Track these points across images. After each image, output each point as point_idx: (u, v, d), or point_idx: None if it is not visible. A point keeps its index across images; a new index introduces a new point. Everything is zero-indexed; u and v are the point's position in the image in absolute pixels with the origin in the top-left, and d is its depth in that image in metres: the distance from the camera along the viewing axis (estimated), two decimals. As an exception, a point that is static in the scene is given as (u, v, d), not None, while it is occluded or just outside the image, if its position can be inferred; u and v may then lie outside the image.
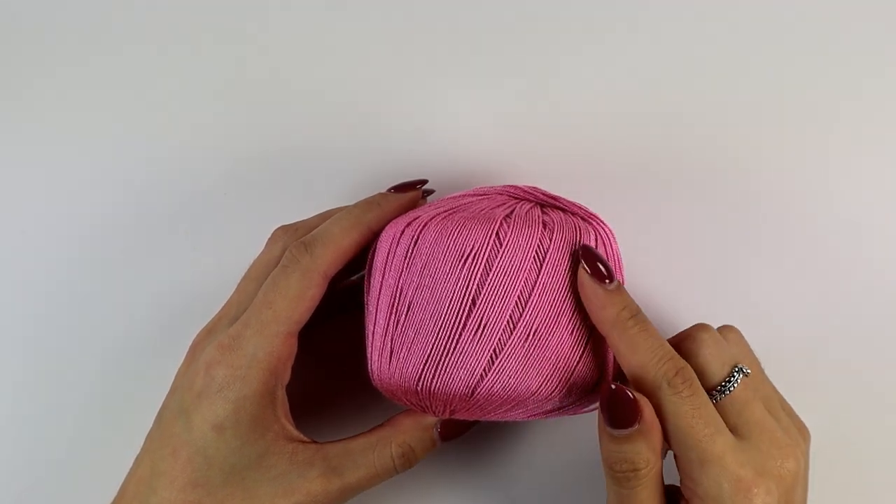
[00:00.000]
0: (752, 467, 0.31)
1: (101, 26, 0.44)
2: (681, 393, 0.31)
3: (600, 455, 0.33)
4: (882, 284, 0.42)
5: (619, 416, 0.31)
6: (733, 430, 0.32)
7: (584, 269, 0.33)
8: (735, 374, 0.33)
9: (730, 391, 0.33)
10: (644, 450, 0.31)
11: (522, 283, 0.32)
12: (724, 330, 0.36)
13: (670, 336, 0.35)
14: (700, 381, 0.32)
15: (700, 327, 0.34)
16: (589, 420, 0.36)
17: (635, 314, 0.33)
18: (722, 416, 0.32)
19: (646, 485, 0.32)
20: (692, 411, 0.31)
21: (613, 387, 0.31)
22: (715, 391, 0.33)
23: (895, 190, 0.43)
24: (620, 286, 0.33)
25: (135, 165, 0.44)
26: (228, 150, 0.44)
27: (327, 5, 0.44)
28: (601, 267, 0.33)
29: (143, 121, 0.44)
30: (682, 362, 0.32)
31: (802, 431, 0.35)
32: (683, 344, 0.34)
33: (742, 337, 0.37)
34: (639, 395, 0.31)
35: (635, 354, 0.32)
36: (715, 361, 0.33)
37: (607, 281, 0.33)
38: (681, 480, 0.33)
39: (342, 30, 0.44)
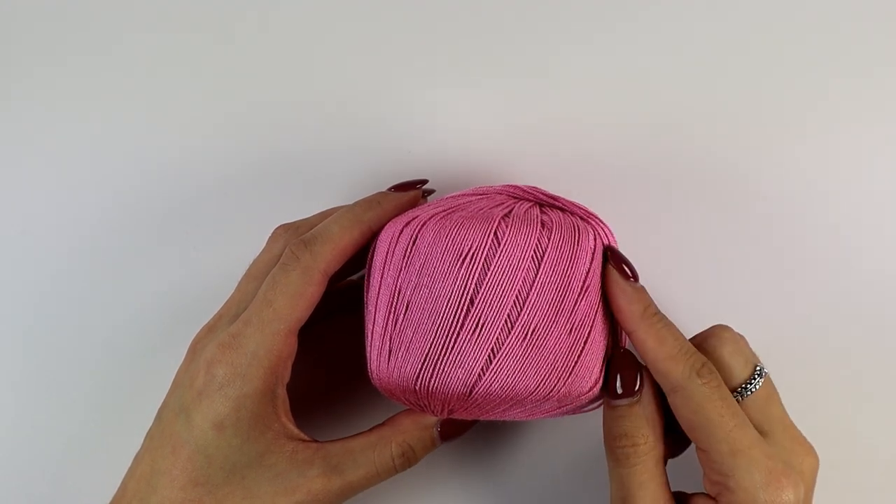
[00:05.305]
0: (780, 460, 0.32)
1: (100, 27, 0.45)
2: (710, 383, 0.32)
3: (603, 439, 0.34)
4: (881, 283, 0.42)
5: (624, 378, 0.34)
6: (756, 427, 0.33)
7: (614, 267, 0.34)
8: (757, 373, 0.34)
9: (753, 391, 0.34)
10: (642, 424, 0.33)
11: (520, 282, 0.32)
12: None
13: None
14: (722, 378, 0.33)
15: (721, 327, 0.35)
16: (588, 420, 0.36)
17: (659, 311, 0.34)
18: None
19: (645, 464, 0.33)
20: (721, 402, 0.32)
21: (622, 350, 0.34)
22: (739, 389, 0.34)
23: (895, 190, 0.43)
24: (643, 288, 0.35)
25: (135, 165, 0.44)
26: (228, 150, 0.44)
27: (328, 5, 0.44)
28: (627, 267, 0.34)
29: (143, 121, 0.44)
30: (705, 358, 0.33)
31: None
32: (706, 342, 0.35)
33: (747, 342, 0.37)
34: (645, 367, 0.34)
35: (663, 346, 0.33)
36: (739, 360, 0.34)
37: (633, 280, 0.34)
38: (706, 477, 0.33)
39: (342, 29, 0.44)
